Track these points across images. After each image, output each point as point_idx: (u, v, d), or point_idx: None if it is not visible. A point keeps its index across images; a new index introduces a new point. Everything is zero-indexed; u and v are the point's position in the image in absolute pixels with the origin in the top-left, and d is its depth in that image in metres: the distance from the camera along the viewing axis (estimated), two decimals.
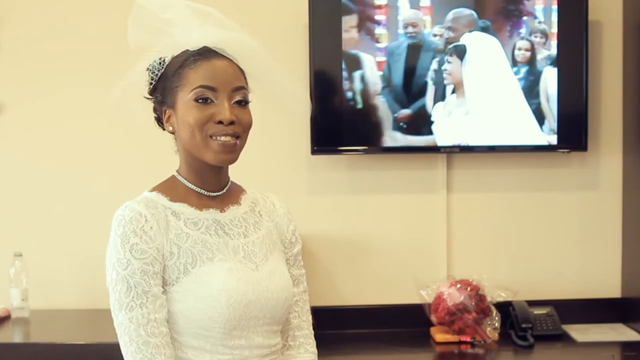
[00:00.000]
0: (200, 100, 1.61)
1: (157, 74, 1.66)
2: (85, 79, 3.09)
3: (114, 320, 1.59)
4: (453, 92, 3.05)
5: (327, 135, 3.07)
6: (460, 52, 3.04)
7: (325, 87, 3.05)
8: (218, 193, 1.71)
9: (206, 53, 1.64)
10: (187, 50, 1.65)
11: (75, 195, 3.16)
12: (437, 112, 3.06)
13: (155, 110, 1.72)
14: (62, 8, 3.14)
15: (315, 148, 3.06)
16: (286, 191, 3.05)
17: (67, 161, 3.16)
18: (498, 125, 3.08)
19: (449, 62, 3.04)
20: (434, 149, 3.09)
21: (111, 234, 1.60)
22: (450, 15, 3.03)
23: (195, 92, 1.61)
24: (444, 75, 3.05)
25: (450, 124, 3.06)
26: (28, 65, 3.14)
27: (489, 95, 3.07)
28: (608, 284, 3.22)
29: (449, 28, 3.03)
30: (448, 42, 3.03)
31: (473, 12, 3.03)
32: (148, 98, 1.70)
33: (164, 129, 1.72)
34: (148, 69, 1.67)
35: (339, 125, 3.07)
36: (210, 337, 1.61)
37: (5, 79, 3.15)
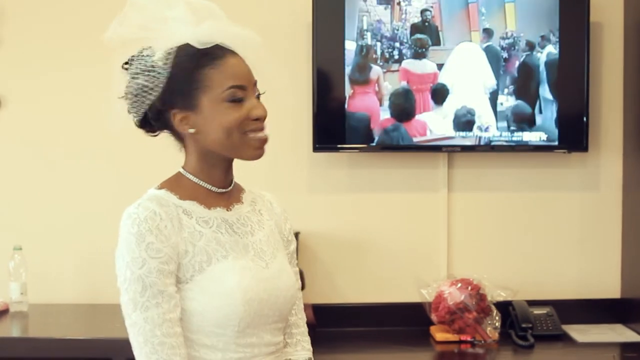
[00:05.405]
0: (234, 101, 1.61)
1: (155, 76, 1.59)
2: (88, 73, 3.04)
3: (127, 320, 1.55)
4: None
5: (328, 132, 3.07)
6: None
7: (327, 85, 3.05)
8: (225, 189, 1.69)
9: (218, 51, 1.61)
10: (187, 48, 1.60)
11: (75, 189, 3.16)
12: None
13: (134, 110, 1.64)
14: (65, 1, 3.14)
15: (316, 145, 3.06)
16: (287, 188, 3.06)
17: (68, 156, 3.15)
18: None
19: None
20: (435, 148, 3.10)
21: (123, 232, 1.56)
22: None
23: (228, 93, 1.60)
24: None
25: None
26: (30, 59, 3.14)
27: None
28: (607, 285, 3.22)
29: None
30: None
31: None
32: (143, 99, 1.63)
33: (149, 132, 1.68)
34: (131, 67, 1.61)
35: (341, 123, 3.07)
36: (224, 335, 1.60)
37: (7, 73, 3.14)
